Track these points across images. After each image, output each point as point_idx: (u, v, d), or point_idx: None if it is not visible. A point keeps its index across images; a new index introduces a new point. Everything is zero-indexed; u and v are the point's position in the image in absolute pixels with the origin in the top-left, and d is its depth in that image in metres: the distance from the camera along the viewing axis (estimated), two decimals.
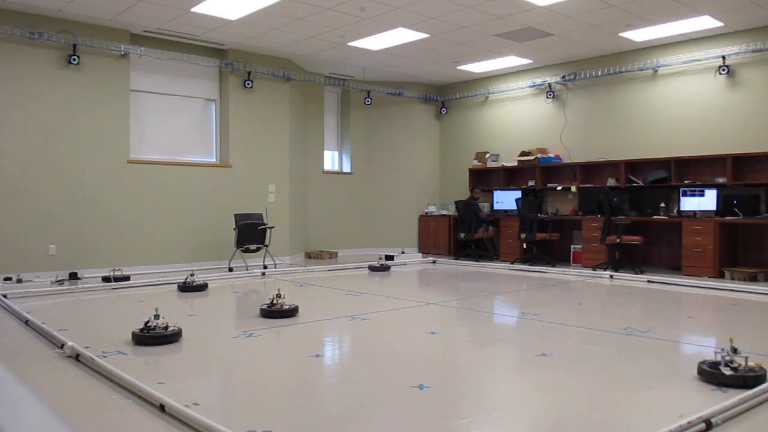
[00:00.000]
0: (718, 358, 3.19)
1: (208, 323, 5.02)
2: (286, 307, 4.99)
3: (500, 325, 5.26)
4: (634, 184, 8.80)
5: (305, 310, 5.25)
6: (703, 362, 3.26)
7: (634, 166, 8.93)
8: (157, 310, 4.16)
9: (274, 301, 5.00)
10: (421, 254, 10.94)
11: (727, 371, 3.10)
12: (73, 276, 7.47)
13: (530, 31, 8.10)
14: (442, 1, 7.00)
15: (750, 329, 4.83)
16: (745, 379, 3.03)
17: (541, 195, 10.14)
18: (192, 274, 6.70)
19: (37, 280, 7.11)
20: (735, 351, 3.18)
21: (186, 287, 6.52)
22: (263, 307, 5.02)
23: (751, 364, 3.13)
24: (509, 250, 9.84)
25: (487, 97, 11.02)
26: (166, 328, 4.09)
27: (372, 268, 8.58)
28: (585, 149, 9.59)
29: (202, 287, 6.57)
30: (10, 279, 7.06)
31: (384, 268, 8.60)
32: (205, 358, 3.87)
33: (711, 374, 3.14)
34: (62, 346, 3.78)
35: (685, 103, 8.55)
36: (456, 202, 10.34)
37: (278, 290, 5.10)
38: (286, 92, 9.82)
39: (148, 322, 4.07)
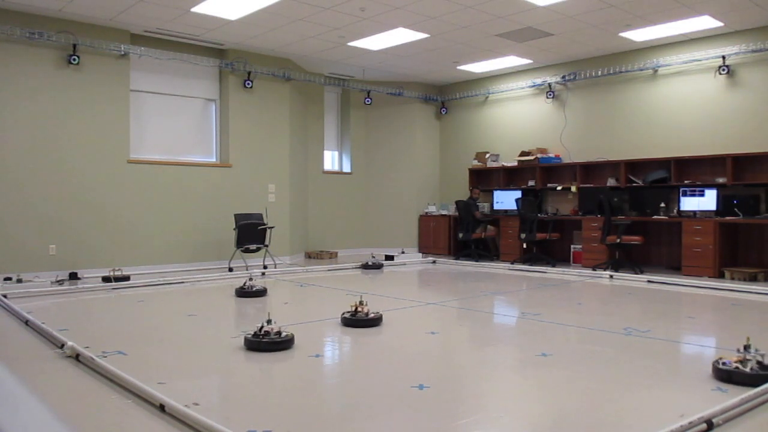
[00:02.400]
0: (733, 358, 3.23)
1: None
2: (372, 315, 4.61)
3: (500, 325, 5.26)
4: (634, 184, 8.80)
5: (305, 310, 5.23)
6: (717, 361, 3.28)
7: (634, 166, 8.93)
8: (269, 315, 4.00)
9: (358, 309, 4.64)
10: (421, 254, 10.94)
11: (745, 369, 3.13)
12: (73, 276, 7.47)
13: (530, 31, 8.10)
14: (442, 1, 7.00)
15: (750, 329, 4.82)
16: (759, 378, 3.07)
17: (541, 195, 10.14)
18: (251, 278, 6.27)
19: (37, 280, 7.11)
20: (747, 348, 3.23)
21: (244, 292, 6.12)
22: (345, 315, 4.65)
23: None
24: (509, 250, 9.83)
25: (487, 97, 11.02)
26: (279, 333, 3.89)
27: (365, 267, 8.61)
28: (585, 149, 9.59)
29: (261, 292, 6.15)
30: (10, 279, 7.06)
31: (376, 266, 8.62)
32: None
33: (725, 372, 3.18)
34: (62, 346, 3.78)
35: (685, 103, 8.55)
36: (456, 202, 10.34)
37: (361, 297, 4.78)
38: (286, 92, 9.82)
39: (262, 327, 3.88)
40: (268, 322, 3.91)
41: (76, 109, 7.80)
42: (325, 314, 5.26)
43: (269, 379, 3.51)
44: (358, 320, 4.54)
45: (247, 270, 8.29)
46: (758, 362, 3.18)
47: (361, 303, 4.62)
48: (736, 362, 3.20)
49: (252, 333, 3.90)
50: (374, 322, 4.59)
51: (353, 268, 8.81)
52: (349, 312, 4.63)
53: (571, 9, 7.25)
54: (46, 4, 7.12)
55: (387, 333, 4.47)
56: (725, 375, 3.20)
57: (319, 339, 4.35)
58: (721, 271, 7.60)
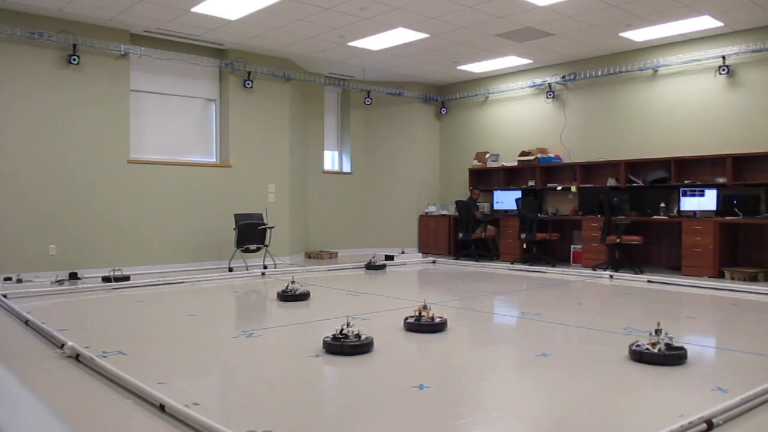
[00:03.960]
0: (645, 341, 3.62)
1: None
2: (438, 320, 4.47)
3: (500, 325, 5.26)
4: (634, 184, 8.80)
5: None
6: (632, 344, 3.68)
7: (634, 166, 8.93)
8: (348, 318, 3.94)
9: (422, 313, 4.50)
10: (421, 254, 10.94)
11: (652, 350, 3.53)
12: (73, 276, 7.47)
13: (530, 31, 8.10)
14: (442, 1, 7.00)
15: (750, 329, 4.82)
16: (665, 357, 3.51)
17: (541, 195, 10.13)
18: (293, 281, 6.04)
19: (37, 280, 7.11)
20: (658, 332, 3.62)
21: (287, 296, 5.88)
22: (409, 320, 4.52)
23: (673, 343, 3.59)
24: (509, 250, 9.83)
25: (487, 97, 11.02)
26: (359, 336, 3.82)
27: (368, 267, 8.61)
28: (585, 149, 9.59)
29: (304, 296, 5.92)
30: (10, 279, 7.06)
31: (379, 267, 8.62)
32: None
33: (637, 353, 3.59)
34: (62, 346, 3.78)
35: (685, 103, 8.55)
36: (456, 202, 10.34)
37: (424, 301, 4.65)
38: (286, 92, 9.82)
39: (342, 330, 3.81)
40: (348, 324, 3.84)
41: (76, 109, 7.80)
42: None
43: (270, 379, 3.51)
44: (422, 325, 4.43)
45: (247, 270, 8.30)
46: (666, 344, 3.56)
47: (425, 307, 4.51)
48: (648, 344, 3.56)
49: (331, 336, 3.84)
50: (439, 327, 4.45)
51: (354, 268, 8.81)
52: (413, 317, 4.52)
53: (571, 9, 7.25)
54: (46, 4, 7.12)
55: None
56: (637, 356, 3.58)
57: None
58: (721, 271, 7.60)
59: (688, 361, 3.60)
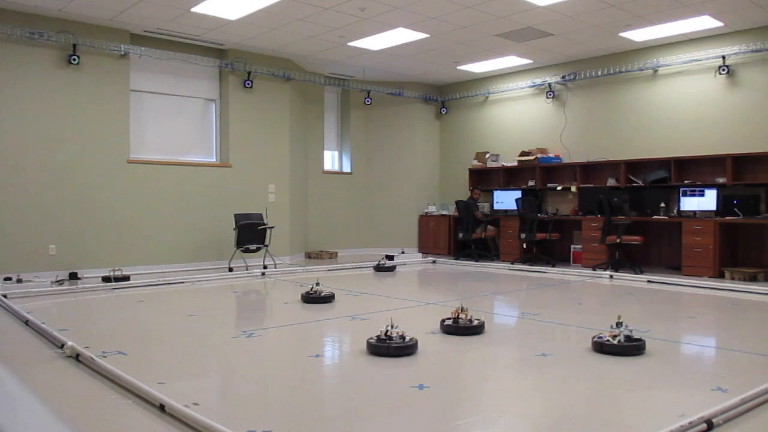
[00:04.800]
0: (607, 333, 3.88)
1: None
2: (476, 322, 4.41)
3: (500, 325, 5.25)
4: (634, 184, 8.80)
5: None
6: (594, 336, 3.93)
7: (634, 166, 8.93)
8: (391, 319, 3.87)
9: (459, 316, 4.45)
10: (421, 254, 10.94)
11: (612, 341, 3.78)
12: (73, 276, 7.47)
13: (530, 31, 8.10)
14: (442, 1, 6.99)
15: (750, 329, 4.82)
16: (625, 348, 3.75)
17: (541, 195, 10.13)
18: (318, 283, 5.89)
19: (37, 280, 7.11)
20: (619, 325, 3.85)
21: (311, 298, 5.74)
22: (447, 322, 4.46)
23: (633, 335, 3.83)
24: (509, 250, 9.83)
25: (487, 97, 11.02)
26: (403, 338, 3.78)
27: (378, 268, 8.54)
28: (585, 149, 9.58)
29: (329, 298, 5.78)
30: (10, 279, 7.06)
31: (389, 269, 8.56)
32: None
33: (599, 344, 3.84)
34: (62, 346, 3.78)
35: (685, 103, 8.55)
36: (456, 202, 10.34)
37: (461, 304, 4.57)
38: (286, 92, 9.82)
39: (387, 331, 3.78)
40: (393, 326, 3.79)
41: (76, 109, 7.80)
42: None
43: (270, 379, 3.50)
44: (459, 327, 4.38)
45: (247, 270, 8.29)
46: (626, 336, 3.80)
47: (462, 309, 4.46)
48: (609, 336, 3.82)
49: (376, 337, 3.80)
50: (477, 329, 4.38)
51: (354, 268, 8.80)
52: (450, 318, 4.47)
53: (571, 9, 7.25)
54: (46, 4, 7.12)
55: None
56: (599, 347, 3.83)
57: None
58: (721, 271, 7.60)
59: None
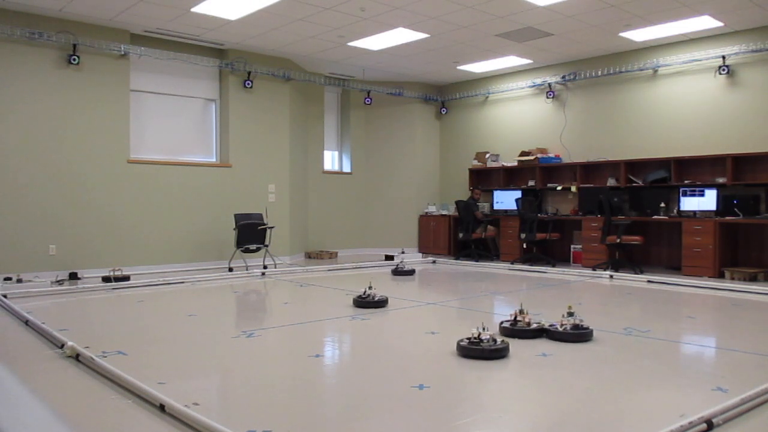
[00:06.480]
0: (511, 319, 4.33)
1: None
2: (535, 325, 4.33)
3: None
4: (634, 184, 8.80)
5: (298, 310, 5.21)
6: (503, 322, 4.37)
7: (634, 166, 8.93)
8: (483, 323, 3.83)
9: (518, 318, 4.39)
10: (421, 254, 10.94)
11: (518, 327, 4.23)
12: (73, 276, 7.47)
13: (530, 31, 8.10)
14: (442, 1, 6.99)
15: (750, 329, 4.82)
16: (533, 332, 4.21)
17: (541, 195, 10.13)
18: (370, 287, 5.61)
19: (37, 280, 7.11)
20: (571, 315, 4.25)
21: (364, 302, 5.52)
22: (505, 324, 4.38)
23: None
24: (509, 250, 9.83)
25: (487, 97, 11.02)
26: (495, 341, 3.74)
27: (395, 272, 8.00)
28: (585, 149, 9.58)
29: (382, 302, 5.54)
30: (10, 279, 7.06)
31: (408, 272, 8.04)
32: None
33: (548, 332, 4.21)
34: (62, 346, 3.78)
35: (685, 103, 8.55)
36: (456, 202, 10.34)
37: (521, 304, 4.55)
38: (286, 92, 9.82)
39: (479, 335, 3.73)
40: (483, 329, 3.78)
41: (76, 109, 7.80)
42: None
43: (270, 379, 3.50)
44: (517, 330, 4.30)
45: (247, 270, 8.29)
46: (573, 325, 4.18)
47: (521, 312, 4.40)
48: (559, 324, 4.19)
49: (467, 340, 3.76)
50: (536, 333, 4.30)
51: (353, 268, 8.79)
52: (508, 321, 4.43)
53: (571, 9, 7.25)
54: (46, 4, 7.12)
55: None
56: (548, 335, 4.19)
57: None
58: (721, 271, 7.60)
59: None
